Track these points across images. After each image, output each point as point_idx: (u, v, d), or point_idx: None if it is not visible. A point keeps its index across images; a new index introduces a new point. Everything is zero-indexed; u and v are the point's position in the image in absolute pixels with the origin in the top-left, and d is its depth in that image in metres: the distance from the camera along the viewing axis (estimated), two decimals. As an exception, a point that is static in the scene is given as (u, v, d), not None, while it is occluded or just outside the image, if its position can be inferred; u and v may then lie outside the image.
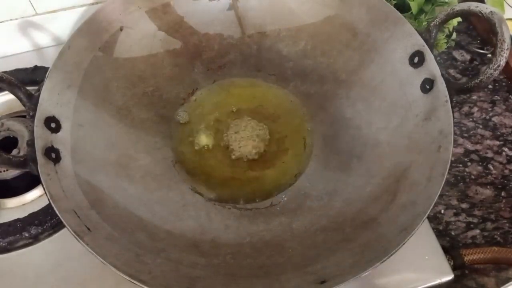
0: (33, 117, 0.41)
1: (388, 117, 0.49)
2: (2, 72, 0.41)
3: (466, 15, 0.46)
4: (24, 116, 0.55)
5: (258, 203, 0.48)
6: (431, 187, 0.40)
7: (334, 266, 0.39)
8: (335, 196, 0.48)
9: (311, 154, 0.52)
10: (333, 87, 0.54)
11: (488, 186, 0.57)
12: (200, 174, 0.50)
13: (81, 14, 0.64)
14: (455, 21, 0.59)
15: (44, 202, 0.50)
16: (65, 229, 0.37)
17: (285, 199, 0.49)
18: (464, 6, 0.42)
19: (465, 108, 0.64)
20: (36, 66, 0.61)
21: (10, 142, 0.52)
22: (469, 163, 0.59)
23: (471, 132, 0.62)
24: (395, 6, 0.51)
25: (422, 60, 0.46)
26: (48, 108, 0.43)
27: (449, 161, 0.41)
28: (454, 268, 0.46)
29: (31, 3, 0.61)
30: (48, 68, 0.44)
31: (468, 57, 0.69)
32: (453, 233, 0.54)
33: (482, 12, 0.40)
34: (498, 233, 0.54)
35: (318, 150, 0.52)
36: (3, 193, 0.52)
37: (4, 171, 0.52)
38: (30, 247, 0.48)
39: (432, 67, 0.45)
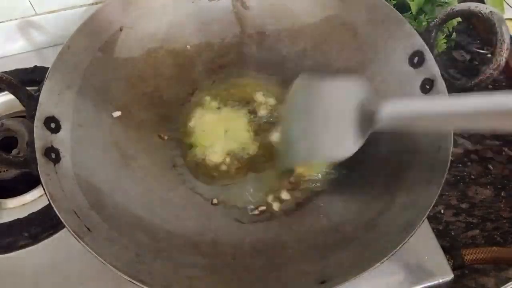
0: (33, 117, 0.41)
1: (388, 117, 0.49)
2: (2, 72, 0.41)
3: (466, 15, 0.46)
4: (24, 116, 0.55)
5: (258, 203, 0.48)
6: (431, 187, 0.40)
7: (334, 266, 0.39)
8: (335, 196, 0.48)
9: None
10: (333, 87, 0.54)
11: (488, 186, 0.57)
12: (200, 175, 0.50)
13: (81, 14, 0.64)
14: (455, 21, 0.59)
15: (44, 202, 0.50)
16: (65, 229, 0.37)
17: (285, 199, 0.49)
18: (464, 6, 0.42)
19: (465, 108, 0.64)
20: (36, 66, 0.61)
21: (10, 142, 0.52)
22: (469, 163, 0.59)
23: (471, 132, 0.62)
24: (395, 6, 0.51)
25: (422, 60, 0.46)
26: (48, 108, 0.43)
27: (449, 161, 0.41)
28: (454, 268, 0.46)
29: (31, 3, 0.61)
30: (48, 68, 0.44)
31: (468, 57, 0.69)
32: (453, 233, 0.54)
33: (482, 12, 0.40)
34: (498, 233, 0.54)
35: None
36: (3, 193, 0.52)
37: (4, 171, 0.52)
38: (30, 247, 0.48)
39: (431, 67, 0.45)
